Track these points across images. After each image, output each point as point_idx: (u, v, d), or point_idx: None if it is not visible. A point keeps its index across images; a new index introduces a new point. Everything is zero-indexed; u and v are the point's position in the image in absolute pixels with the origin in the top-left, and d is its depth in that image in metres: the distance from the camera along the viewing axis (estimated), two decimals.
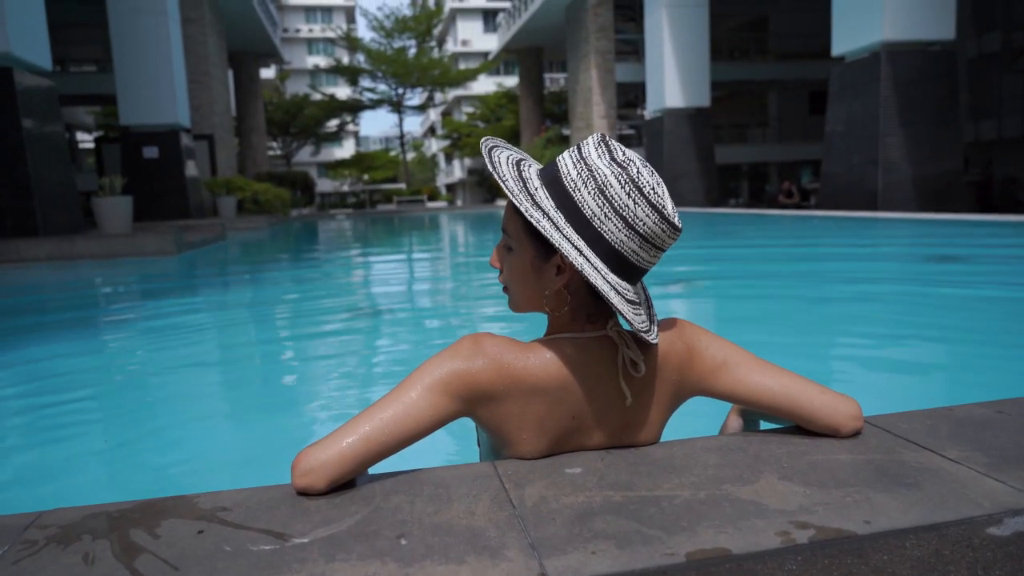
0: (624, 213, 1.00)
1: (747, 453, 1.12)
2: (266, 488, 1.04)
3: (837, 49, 12.97)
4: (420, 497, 1.00)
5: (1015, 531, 0.87)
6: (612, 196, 0.99)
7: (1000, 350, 3.35)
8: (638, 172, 1.00)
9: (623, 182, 0.99)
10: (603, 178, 1.00)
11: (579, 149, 1.04)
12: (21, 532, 0.93)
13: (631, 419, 1.12)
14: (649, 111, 20.53)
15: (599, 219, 1.00)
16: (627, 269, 1.04)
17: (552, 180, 1.04)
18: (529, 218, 1.01)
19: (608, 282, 1.02)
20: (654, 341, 1.06)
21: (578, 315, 1.09)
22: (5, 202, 9.61)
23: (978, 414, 1.26)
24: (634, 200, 0.99)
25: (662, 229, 1.01)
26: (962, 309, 4.39)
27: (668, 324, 1.16)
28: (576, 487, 1.00)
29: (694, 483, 1.01)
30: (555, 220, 1.02)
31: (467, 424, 1.13)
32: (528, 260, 1.08)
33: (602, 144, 1.03)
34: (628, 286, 1.04)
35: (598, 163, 1.01)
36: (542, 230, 1.00)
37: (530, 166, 1.11)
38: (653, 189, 1.00)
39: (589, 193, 1.00)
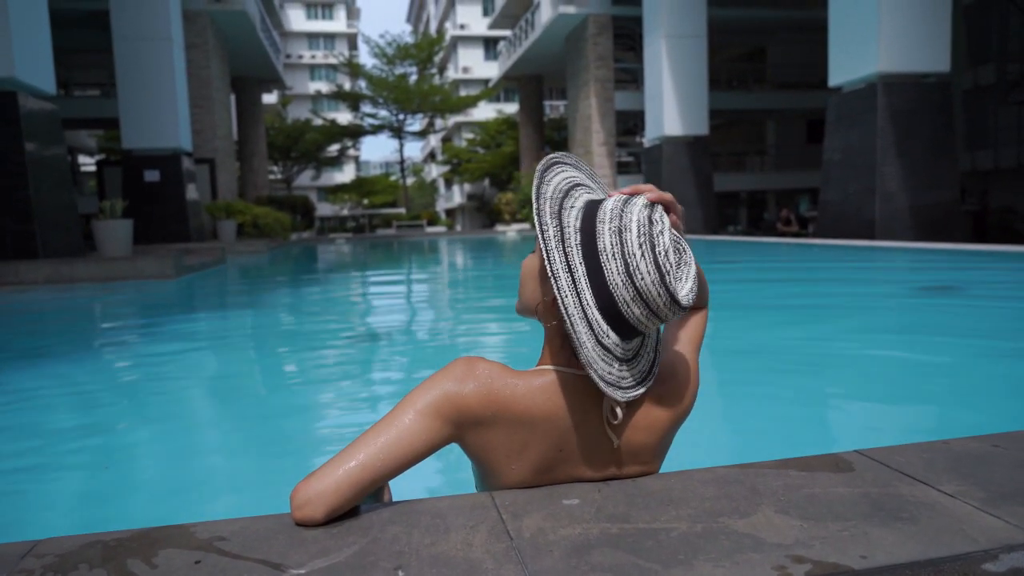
0: (628, 260, 1.01)
1: (744, 486, 1.12)
2: (263, 518, 1.04)
3: (834, 80, 13.11)
4: (417, 528, 1.00)
5: (1011, 567, 0.87)
6: (626, 239, 1.01)
7: (997, 382, 3.35)
8: (660, 233, 1.02)
9: (642, 233, 1.01)
10: (628, 222, 1.02)
11: (633, 197, 1.07)
12: (17, 561, 0.93)
13: (622, 456, 1.14)
14: (648, 139, 20.68)
15: (607, 254, 1.02)
16: (618, 320, 1.04)
17: (591, 209, 1.07)
18: (536, 219, 1.04)
19: (586, 315, 1.03)
20: (620, 398, 1.05)
21: (565, 346, 1.10)
22: (6, 225, 9.64)
23: (974, 448, 1.26)
24: (642, 252, 1.01)
25: (658, 292, 1.01)
26: (958, 340, 4.39)
27: (673, 362, 1.18)
28: (573, 519, 1.00)
29: (691, 516, 1.01)
30: (566, 236, 1.05)
31: (463, 453, 1.13)
32: (539, 265, 1.12)
33: (650, 205, 1.06)
34: (609, 330, 1.04)
35: (634, 211, 1.03)
36: (539, 233, 1.03)
37: (588, 192, 1.14)
38: (666, 254, 1.01)
39: (610, 229, 1.03)
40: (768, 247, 13.50)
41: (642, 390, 1.09)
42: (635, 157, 26.94)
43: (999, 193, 19.19)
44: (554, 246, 1.03)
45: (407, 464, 1.03)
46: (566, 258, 1.04)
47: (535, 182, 1.07)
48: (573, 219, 1.07)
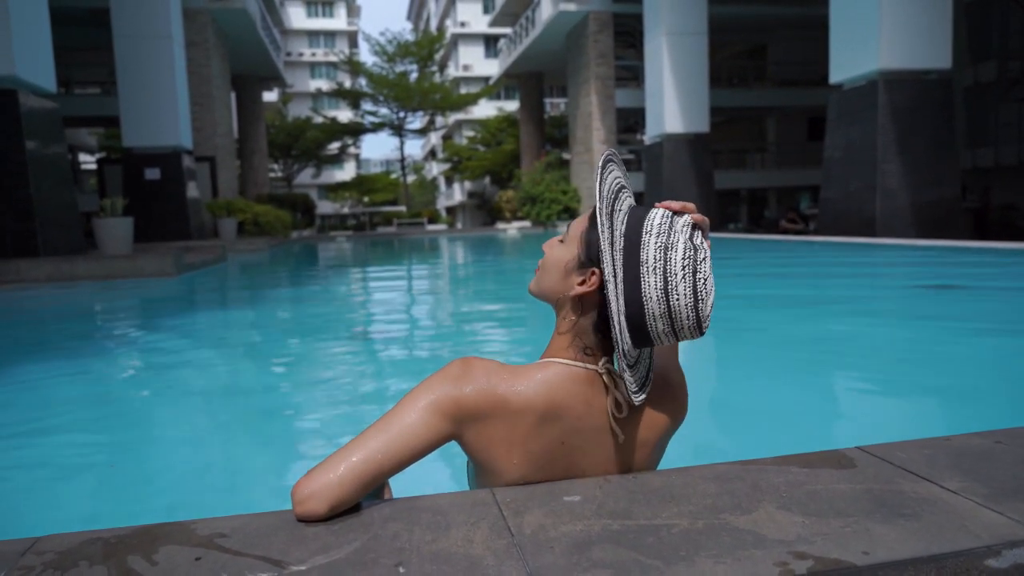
0: (669, 278, 1.03)
1: (745, 482, 1.12)
2: (264, 514, 1.04)
3: (835, 77, 13.09)
4: (418, 525, 0.99)
5: (1013, 563, 0.87)
6: (670, 258, 1.03)
7: (998, 378, 3.35)
8: (703, 260, 1.05)
9: (687, 255, 1.04)
10: (675, 241, 1.04)
11: (678, 214, 1.08)
12: (17, 558, 0.93)
13: (624, 450, 1.15)
14: (649, 136, 20.66)
15: (647, 266, 1.04)
16: (639, 330, 1.07)
17: (638, 217, 1.08)
18: (599, 222, 1.05)
19: (618, 321, 1.05)
20: (636, 402, 1.10)
21: (575, 342, 1.12)
22: (6, 223, 9.64)
23: (975, 444, 1.26)
24: (684, 275, 1.03)
25: (687, 315, 1.05)
26: (959, 336, 4.39)
27: (667, 375, 1.21)
28: (574, 515, 1.00)
29: (692, 512, 1.01)
30: (615, 241, 1.06)
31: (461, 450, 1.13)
32: (568, 258, 1.13)
33: (696, 226, 1.08)
34: (628, 337, 1.07)
35: (680, 230, 1.05)
36: (600, 233, 1.05)
37: (630, 196, 1.16)
38: (704, 282, 1.04)
39: (655, 244, 1.04)
40: (769, 244, 13.49)
41: (643, 396, 1.12)
42: (636, 155, 26.87)
43: (1000, 190, 19.17)
44: (607, 248, 1.05)
45: (408, 461, 1.04)
46: (613, 263, 1.05)
47: (597, 179, 1.08)
48: (619, 223, 1.08)
